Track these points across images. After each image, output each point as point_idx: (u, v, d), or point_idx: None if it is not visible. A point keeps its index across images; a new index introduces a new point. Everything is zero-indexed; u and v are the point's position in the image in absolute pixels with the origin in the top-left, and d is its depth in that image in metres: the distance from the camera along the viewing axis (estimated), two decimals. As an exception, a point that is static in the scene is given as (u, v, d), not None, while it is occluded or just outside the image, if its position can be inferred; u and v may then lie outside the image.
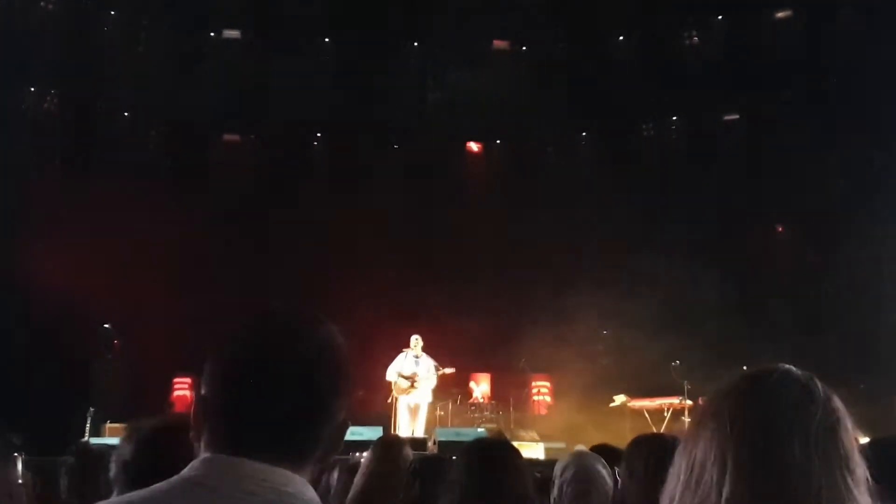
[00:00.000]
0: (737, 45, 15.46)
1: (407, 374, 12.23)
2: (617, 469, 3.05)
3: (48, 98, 15.00)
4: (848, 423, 1.26)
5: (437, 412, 13.30)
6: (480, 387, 14.65)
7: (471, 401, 14.15)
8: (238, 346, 1.35)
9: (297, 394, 1.29)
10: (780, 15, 15.16)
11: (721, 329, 13.34)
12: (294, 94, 16.10)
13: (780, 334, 12.92)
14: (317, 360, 1.32)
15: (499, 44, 17.07)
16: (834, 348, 11.96)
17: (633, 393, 13.34)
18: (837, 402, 1.28)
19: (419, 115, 16.94)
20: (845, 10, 14.20)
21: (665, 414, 12.72)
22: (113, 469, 2.11)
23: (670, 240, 14.29)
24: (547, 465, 3.68)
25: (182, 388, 14.33)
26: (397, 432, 11.51)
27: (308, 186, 16.38)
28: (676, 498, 1.28)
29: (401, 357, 12.37)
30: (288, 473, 1.26)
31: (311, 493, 1.29)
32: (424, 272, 15.46)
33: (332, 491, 4.03)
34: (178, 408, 13.73)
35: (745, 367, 1.36)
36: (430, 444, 11.23)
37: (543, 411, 15.14)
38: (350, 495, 3.63)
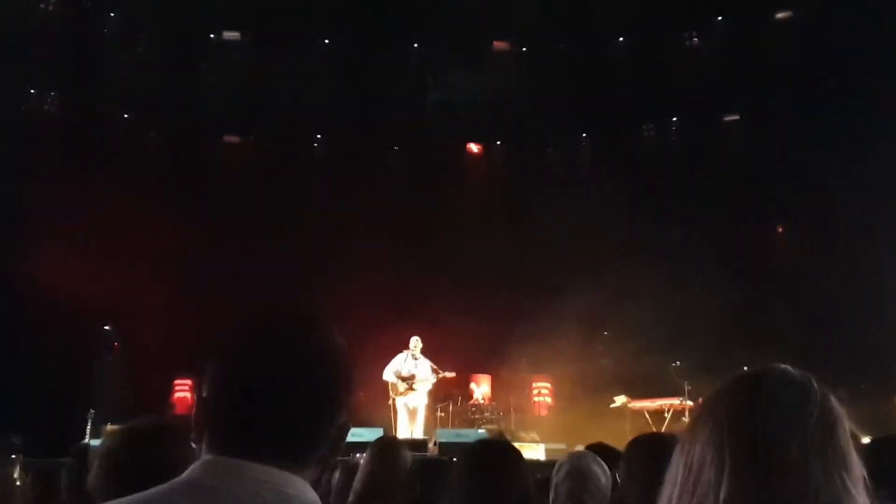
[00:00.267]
0: (737, 46, 15.48)
1: (405, 375, 12.22)
2: (614, 468, 3.06)
3: (48, 99, 15.00)
4: (845, 422, 1.26)
5: (438, 413, 13.29)
6: (481, 388, 14.65)
7: (471, 402, 14.14)
8: (239, 348, 1.35)
9: (298, 395, 1.29)
10: (779, 16, 15.18)
11: (721, 330, 13.34)
12: (294, 95, 16.13)
13: (781, 335, 12.92)
14: (318, 361, 1.33)
15: (499, 45, 17.08)
16: (834, 348, 11.97)
17: (634, 394, 13.33)
18: (835, 402, 1.28)
19: (419, 116, 16.96)
20: (845, 10, 14.20)
21: (665, 415, 12.71)
22: (95, 468, 2.11)
23: (670, 240, 14.30)
24: (548, 467, 3.68)
25: (183, 390, 14.33)
26: (396, 434, 11.51)
27: (308, 188, 16.39)
28: (674, 499, 1.28)
29: (399, 358, 12.34)
30: (289, 475, 1.26)
31: (312, 494, 1.29)
32: (425, 273, 15.46)
33: (333, 492, 4.03)
34: (179, 409, 13.74)
35: (745, 368, 1.36)
36: (430, 445, 11.23)
37: (544, 412, 15.14)
38: (350, 499, 3.63)
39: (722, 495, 1.22)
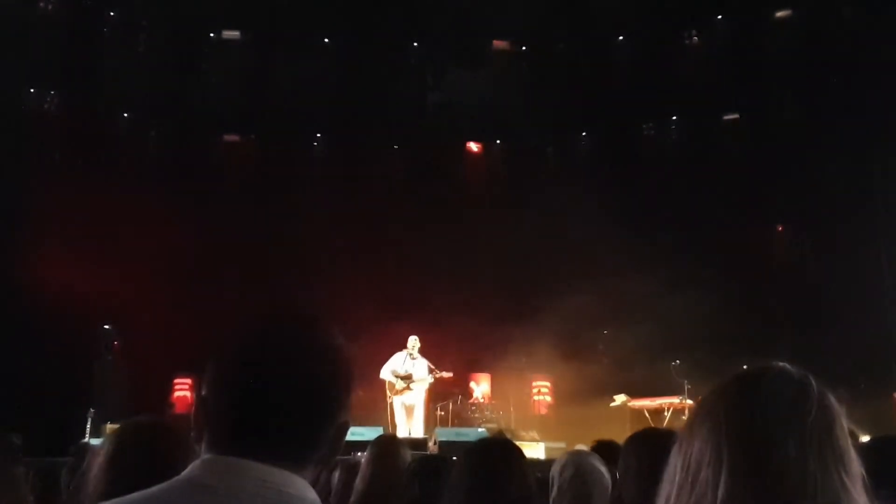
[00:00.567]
0: (737, 45, 15.48)
1: (402, 374, 12.25)
2: (614, 465, 3.06)
3: (48, 99, 15.00)
4: (843, 421, 1.27)
5: (438, 412, 13.30)
6: (481, 387, 14.65)
7: (471, 401, 14.14)
8: (239, 347, 1.35)
9: (298, 395, 1.30)
10: (779, 15, 15.17)
11: (721, 328, 13.35)
12: (294, 94, 16.13)
13: (781, 333, 12.93)
14: (317, 360, 1.33)
15: (499, 44, 17.08)
16: (834, 347, 11.97)
17: (634, 392, 13.34)
18: (832, 400, 1.28)
19: (419, 115, 16.94)
20: (845, 9, 14.20)
21: (665, 413, 12.72)
22: (96, 467, 2.11)
23: (670, 239, 14.30)
24: (547, 465, 3.68)
25: (182, 389, 14.32)
26: (394, 432, 11.52)
27: (308, 187, 16.38)
28: (672, 498, 1.28)
29: (397, 357, 12.37)
30: (289, 474, 1.26)
31: (312, 493, 1.29)
32: (424, 272, 15.45)
33: (333, 491, 4.03)
34: (179, 408, 13.74)
35: (744, 367, 1.36)
36: (430, 444, 11.24)
37: (544, 411, 15.14)
38: (352, 499, 3.63)
39: (720, 494, 1.22)
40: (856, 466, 1.24)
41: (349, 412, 1.36)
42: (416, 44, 16.88)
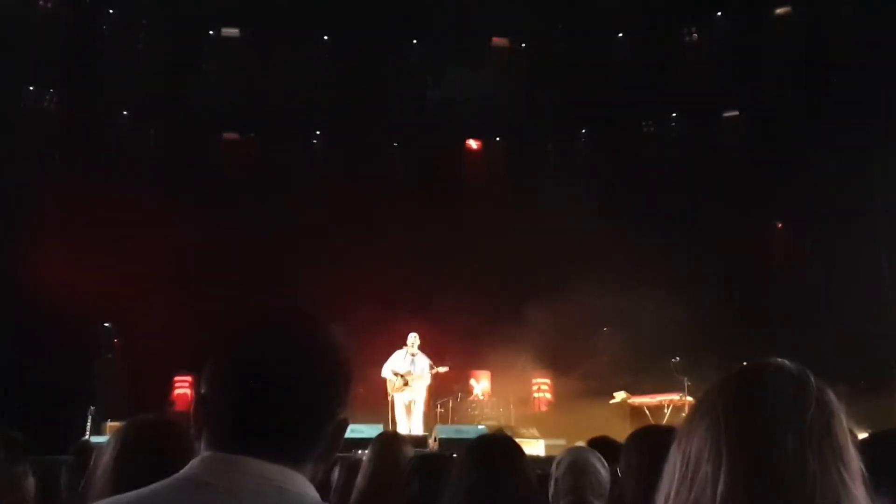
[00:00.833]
0: (736, 43, 15.47)
1: (401, 371, 12.28)
2: (617, 462, 3.06)
3: (47, 97, 14.99)
4: (842, 416, 1.27)
5: (438, 409, 13.31)
6: (481, 384, 14.65)
7: (471, 398, 14.15)
8: (238, 345, 1.35)
9: (297, 392, 1.30)
10: (779, 12, 15.16)
11: (721, 325, 13.36)
12: (294, 92, 16.14)
13: (781, 330, 12.93)
14: (317, 358, 1.33)
15: (498, 41, 17.07)
16: (834, 345, 11.97)
17: (634, 390, 13.35)
18: (831, 396, 1.28)
19: (419, 112, 16.94)
20: (845, 7, 14.19)
21: (665, 410, 12.72)
22: (100, 466, 2.12)
23: (670, 236, 14.30)
24: (547, 462, 3.68)
25: (182, 387, 14.34)
26: (395, 430, 11.53)
27: (308, 184, 16.38)
28: (672, 494, 1.28)
29: (397, 354, 12.41)
30: (288, 471, 1.26)
31: (311, 490, 1.29)
32: (424, 269, 15.46)
33: (333, 488, 4.03)
34: (179, 406, 13.75)
35: (744, 363, 1.36)
36: (430, 441, 11.25)
37: (544, 408, 15.14)
38: (353, 497, 3.63)
39: (719, 490, 1.22)
40: (855, 462, 1.24)
41: (348, 409, 1.36)
42: (415, 42, 16.88)
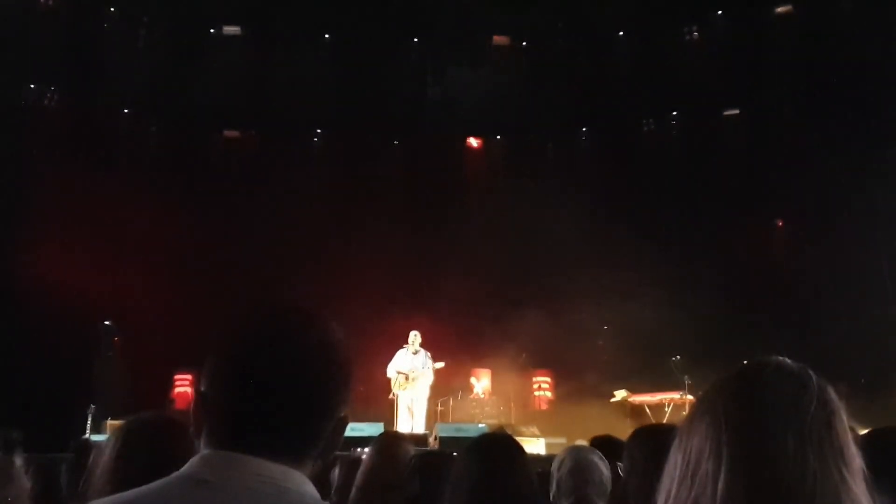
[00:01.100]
0: (737, 41, 15.46)
1: (404, 370, 12.31)
2: (617, 462, 3.06)
3: (48, 94, 14.99)
4: (843, 414, 1.26)
5: (438, 407, 13.32)
6: (481, 382, 14.66)
7: (471, 396, 14.16)
8: (238, 343, 1.35)
9: (297, 390, 1.30)
10: (780, 10, 15.15)
11: (721, 323, 13.36)
12: (294, 89, 16.13)
13: (781, 329, 12.92)
14: (317, 356, 1.33)
15: (499, 39, 17.06)
16: (834, 343, 11.96)
17: (634, 388, 13.35)
18: (832, 394, 1.28)
19: (419, 110, 16.94)
20: (846, 6, 14.18)
21: (666, 409, 12.73)
22: (101, 464, 2.11)
23: (670, 234, 14.31)
24: (548, 461, 3.68)
25: (183, 385, 14.34)
26: (397, 428, 11.55)
27: (308, 182, 16.38)
28: (673, 492, 1.28)
29: (400, 353, 12.45)
30: (288, 469, 1.26)
31: (311, 488, 1.29)
32: (425, 267, 15.47)
33: (334, 487, 4.03)
34: (179, 404, 13.75)
35: (744, 361, 1.36)
36: (430, 439, 11.26)
37: (544, 406, 15.15)
38: (352, 494, 3.63)
39: (720, 488, 1.22)
40: (856, 461, 1.24)
41: (348, 407, 1.36)
42: (416, 40, 16.87)
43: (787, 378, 1.28)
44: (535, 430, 13.14)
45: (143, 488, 1.25)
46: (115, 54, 15.43)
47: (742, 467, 1.22)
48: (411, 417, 12.34)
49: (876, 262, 13.45)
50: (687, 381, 12.23)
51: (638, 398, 13.17)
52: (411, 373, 12.30)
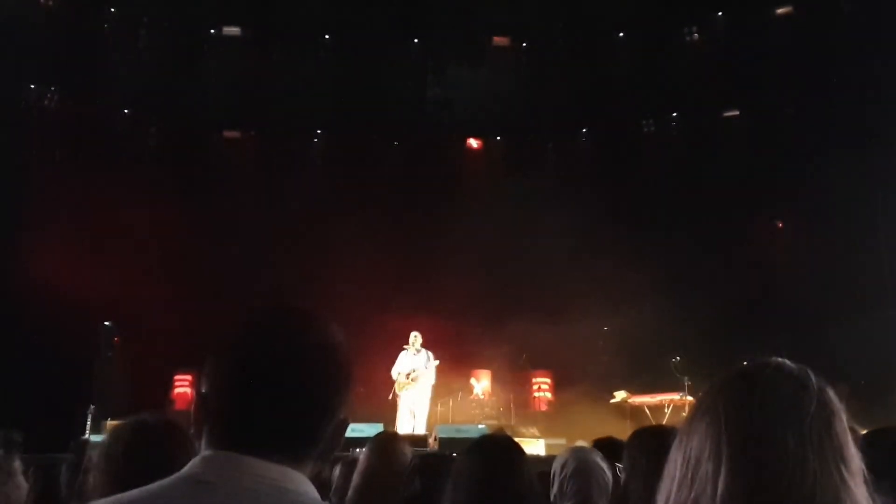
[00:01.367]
0: (737, 42, 15.46)
1: (406, 371, 12.33)
2: (618, 464, 3.06)
3: (48, 95, 14.99)
4: (843, 415, 1.26)
5: (438, 408, 13.32)
6: (481, 383, 14.65)
7: (471, 397, 14.16)
8: (238, 344, 1.35)
9: (297, 391, 1.30)
10: (780, 11, 15.15)
11: (721, 324, 13.36)
12: (294, 90, 16.15)
13: (781, 330, 12.92)
14: (317, 357, 1.33)
15: (499, 40, 17.06)
16: (834, 344, 11.96)
17: (634, 389, 13.35)
18: (832, 396, 1.28)
19: (419, 111, 16.94)
20: (845, 6, 14.18)
21: (666, 410, 12.72)
22: (97, 465, 2.11)
23: (670, 235, 14.30)
24: (548, 462, 3.68)
25: (183, 386, 14.33)
26: (398, 429, 11.55)
27: (308, 183, 16.39)
28: (673, 493, 1.29)
29: (402, 355, 12.46)
30: (288, 470, 1.26)
31: (311, 489, 1.29)
32: (425, 268, 15.46)
33: (333, 487, 4.03)
34: (179, 405, 13.75)
35: (744, 362, 1.36)
36: (430, 440, 11.26)
37: (544, 407, 15.14)
38: (349, 495, 3.63)
39: (719, 489, 1.22)
40: (856, 462, 1.24)
41: (348, 409, 1.36)
42: (416, 40, 16.87)
43: (787, 378, 1.29)
44: (534, 431, 13.14)
45: (144, 489, 1.25)
46: (116, 55, 15.44)
47: (742, 467, 1.22)
48: (413, 418, 12.35)
49: (876, 263, 13.45)
50: (687, 382, 12.23)
51: (637, 399, 13.17)
52: (412, 373, 12.32)
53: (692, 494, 1.25)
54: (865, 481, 1.24)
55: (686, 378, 12.26)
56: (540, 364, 15.07)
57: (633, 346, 13.60)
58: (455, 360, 13.20)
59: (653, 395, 13.05)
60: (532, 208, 15.51)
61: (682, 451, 1.30)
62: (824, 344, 11.80)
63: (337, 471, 4.14)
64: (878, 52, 13.35)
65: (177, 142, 16.26)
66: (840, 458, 1.23)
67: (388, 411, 12.47)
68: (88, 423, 11.92)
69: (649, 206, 15.38)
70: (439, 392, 13.19)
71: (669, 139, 16.35)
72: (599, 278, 13.62)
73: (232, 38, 16.49)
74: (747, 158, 15.19)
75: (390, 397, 12.41)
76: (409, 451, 3.78)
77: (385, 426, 11.06)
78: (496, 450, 2.89)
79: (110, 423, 11.68)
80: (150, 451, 2.03)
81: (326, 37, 16.62)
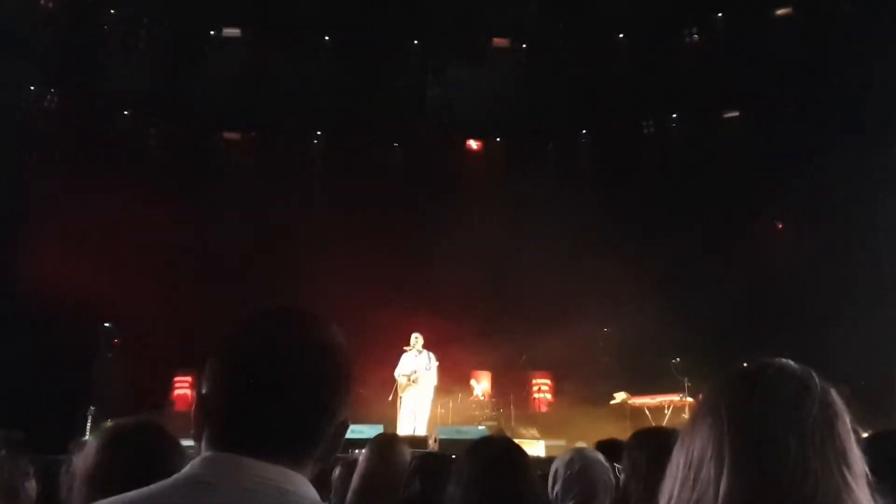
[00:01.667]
0: (737, 43, 15.46)
1: (407, 372, 12.34)
2: (617, 465, 3.06)
3: (48, 96, 14.99)
4: (846, 417, 1.26)
5: (438, 410, 13.31)
6: (481, 384, 14.66)
7: (471, 398, 14.15)
8: (239, 345, 1.35)
9: (297, 393, 1.30)
10: (780, 13, 15.15)
11: (721, 326, 13.35)
12: (294, 91, 16.15)
13: (781, 331, 12.92)
14: (317, 359, 1.33)
15: (499, 41, 17.07)
16: (834, 344, 11.96)
17: (634, 390, 13.33)
18: (835, 397, 1.27)
19: (419, 112, 16.94)
20: (845, 7, 14.18)
21: (666, 411, 12.71)
22: (82, 470, 2.09)
23: (670, 237, 14.29)
24: (547, 463, 3.68)
25: (183, 387, 14.33)
26: (399, 430, 11.55)
27: (308, 184, 16.39)
28: (675, 494, 1.28)
29: (404, 357, 12.47)
30: (288, 472, 1.26)
31: (311, 491, 1.29)
32: (425, 269, 15.45)
33: (333, 488, 4.03)
34: (179, 406, 13.75)
35: (745, 363, 1.36)
36: (430, 442, 11.25)
37: (544, 409, 15.14)
38: (349, 496, 3.62)
39: (721, 491, 1.22)
40: (859, 465, 1.24)
41: (349, 410, 1.36)
42: (416, 41, 16.87)
43: (790, 379, 1.28)
44: (534, 432, 13.14)
45: (145, 489, 1.25)
46: (116, 56, 15.45)
47: (743, 469, 1.22)
48: (414, 420, 12.35)
49: (876, 263, 13.44)
50: (687, 384, 12.23)
51: (638, 400, 13.15)
52: (413, 374, 12.32)
53: (694, 496, 1.25)
54: (869, 484, 1.24)
55: (686, 379, 12.26)
56: (540, 365, 15.07)
57: (633, 347, 13.60)
58: (455, 361, 13.19)
59: (653, 397, 13.03)
60: (532, 209, 15.51)
61: (684, 452, 1.29)
62: (824, 344, 11.79)
63: (336, 472, 4.13)
64: (877, 52, 13.33)
65: (177, 143, 16.27)
66: (842, 459, 1.22)
67: (388, 412, 12.46)
68: (88, 424, 11.91)
69: (649, 206, 15.37)
70: (440, 393, 13.19)
71: (669, 140, 16.35)
72: (599, 279, 13.61)
73: (232, 38, 16.50)
74: (747, 159, 15.19)
75: (390, 398, 12.41)
76: (408, 452, 3.78)
77: (385, 427, 11.06)
78: (496, 451, 2.89)
79: (109, 423, 11.66)
80: (131, 454, 2.02)
81: (326, 38, 16.63)
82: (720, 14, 15.81)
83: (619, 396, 13.24)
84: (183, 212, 14.26)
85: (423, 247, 15.65)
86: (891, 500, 1.31)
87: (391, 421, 12.26)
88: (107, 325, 13.82)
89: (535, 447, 11.56)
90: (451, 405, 13.58)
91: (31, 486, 2.96)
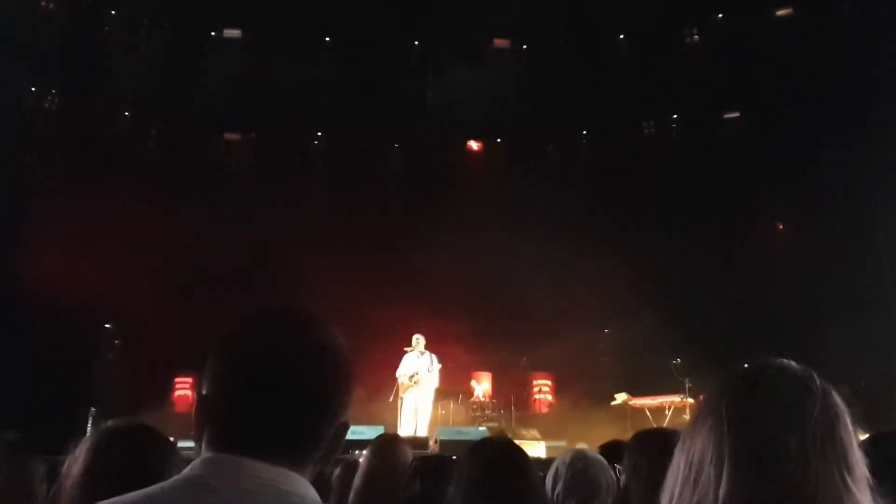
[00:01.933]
0: (737, 44, 15.46)
1: (409, 373, 12.33)
2: (618, 465, 3.06)
3: (49, 97, 14.99)
4: (847, 418, 1.26)
5: (439, 411, 13.31)
6: (482, 385, 14.65)
7: (472, 399, 14.15)
8: (239, 346, 1.35)
9: (298, 394, 1.30)
10: (780, 13, 15.15)
11: (722, 326, 13.35)
12: (294, 92, 16.15)
13: (781, 331, 12.91)
14: (318, 360, 1.33)
15: (499, 42, 17.08)
16: (834, 345, 11.95)
17: (635, 391, 13.33)
18: (836, 398, 1.27)
19: (419, 113, 16.94)
20: (845, 7, 14.18)
21: (666, 412, 12.70)
22: (73, 473, 2.09)
23: (670, 237, 14.30)
24: (548, 464, 3.68)
25: (183, 388, 14.34)
26: (400, 431, 11.54)
27: (308, 185, 16.39)
28: (676, 495, 1.28)
29: (406, 357, 12.46)
30: (289, 473, 1.26)
31: (311, 492, 1.29)
32: (425, 270, 15.44)
33: (333, 489, 4.03)
34: (180, 407, 13.75)
35: (745, 364, 1.35)
36: (431, 443, 11.25)
37: (545, 410, 15.14)
38: (351, 497, 3.62)
39: (722, 492, 1.21)
40: (860, 467, 1.24)
41: (349, 411, 1.36)
42: (416, 42, 16.88)
43: (791, 380, 1.28)
44: (535, 433, 13.12)
45: (144, 490, 1.25)
46: (116, 57, 15.44)
47: (744, 470, 1.21)
48: (415, 420, 12.34)
49: (876, 263, 13.44)
50: (687, 384, 12.22)
51: (638, 401, 13.15)
52: (414, 375, 12.31)
53: (695, 497, 1.24)
54: (870, 486, 1.24)
55: (687, 380, 12.25)
56: (540, 366, 15.07)
57: (634, 347, 13.59)
58: (455, 362, 13.18)
59: (654, 397, 13.03)
60: (532, 209, 15.50)
61: (685, 452, 1.29)
62: (824, 344, 11.79)
63: (336, 473, 4.13)
64: (877, 52, 13.33)
65: (178, 144, 16.28)
66: (843, 461, 1.22)
67: (388, 413, 12.46)
68: (89, 425, 11.90)
69: (650, 207, 15.37)
70: (439, 394, 13.19)
71: (669, 140, 16.35)
72: (600, 279, 13.61)
73: (232, 40, 16.51)
74: (747, 159, 15.19)
75: (391, 399, 12.40)
76: (409, 453, 3.78)
77: (386, 428, 11.05)
78: (497, 452, 2.89)
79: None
80: (123, 457, 2.01)
81: (327, 39, 16.64)
82: (720, 14, 15.81)
83: (620, 397, 13.24)
84: (183, 212, 14.25)
85: (424, 247, 15.61)
86: (891, 502, 1.31)
87: (391, 422, 12.25)
88: (107, 325, 13.82)
89: (535, 448, 11.55)
90: (451, 406, 13.58)
91: (44, 488, 2.97)
